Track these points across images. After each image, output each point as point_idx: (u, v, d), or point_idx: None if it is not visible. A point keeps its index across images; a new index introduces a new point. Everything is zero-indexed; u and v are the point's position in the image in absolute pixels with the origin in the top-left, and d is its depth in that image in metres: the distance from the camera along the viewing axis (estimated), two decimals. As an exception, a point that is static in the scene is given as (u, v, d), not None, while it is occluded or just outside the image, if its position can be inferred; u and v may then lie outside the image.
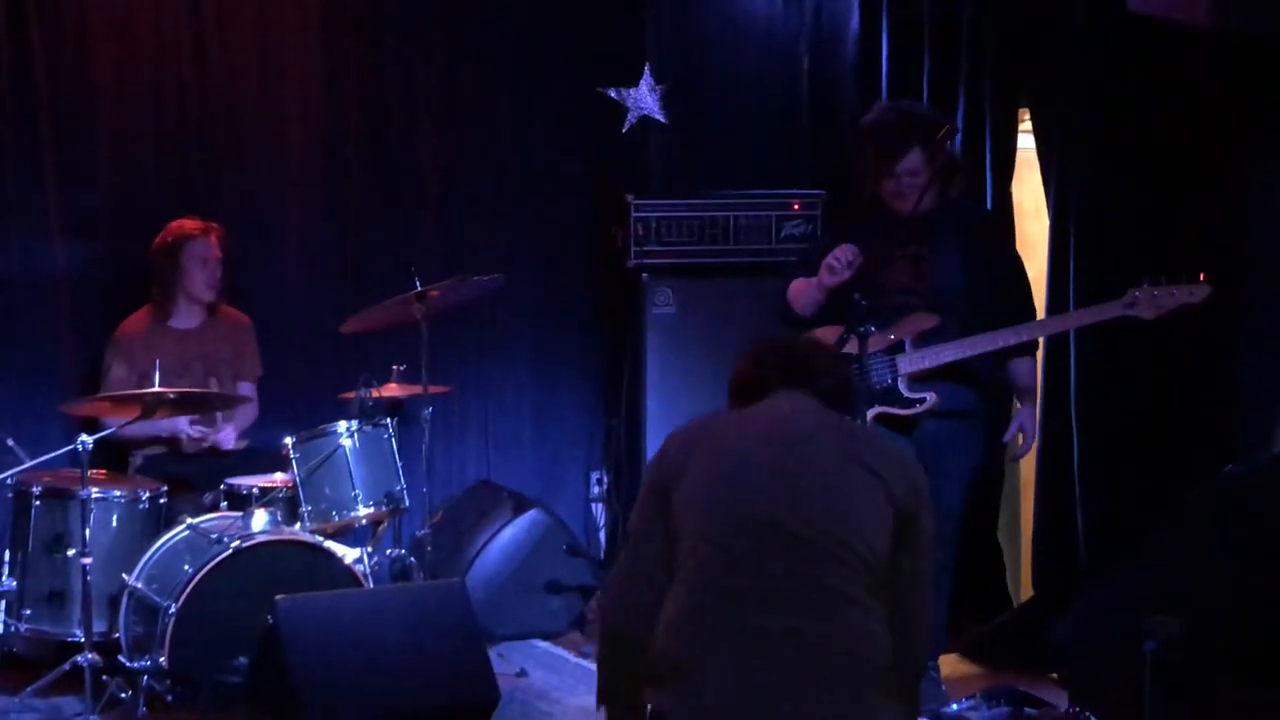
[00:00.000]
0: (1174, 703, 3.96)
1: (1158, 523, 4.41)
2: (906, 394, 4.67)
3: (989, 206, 5.61)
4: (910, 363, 4.69)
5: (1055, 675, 4.81)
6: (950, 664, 5.13)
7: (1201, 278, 4.47)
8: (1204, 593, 4.13)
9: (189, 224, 5.48)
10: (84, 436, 4.63)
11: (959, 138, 5.54)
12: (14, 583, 4.89)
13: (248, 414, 5.65)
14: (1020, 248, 5.70)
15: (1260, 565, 4.11)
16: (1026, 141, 5.67)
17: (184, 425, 5.35)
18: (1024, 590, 5.72)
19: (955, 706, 4.35)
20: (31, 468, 4.90)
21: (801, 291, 4.87)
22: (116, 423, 5.02)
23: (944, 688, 4.78)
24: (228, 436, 5.45)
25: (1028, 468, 5.64)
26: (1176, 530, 4.33)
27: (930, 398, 4.64)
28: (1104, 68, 5.16)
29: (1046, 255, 5.40)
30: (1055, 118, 5.42)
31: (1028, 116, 5.62)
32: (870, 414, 4.65)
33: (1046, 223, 5.43)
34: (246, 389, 5.62)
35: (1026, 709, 4.35)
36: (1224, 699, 3.99)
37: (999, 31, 5.62)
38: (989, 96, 5.68)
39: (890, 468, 2.83)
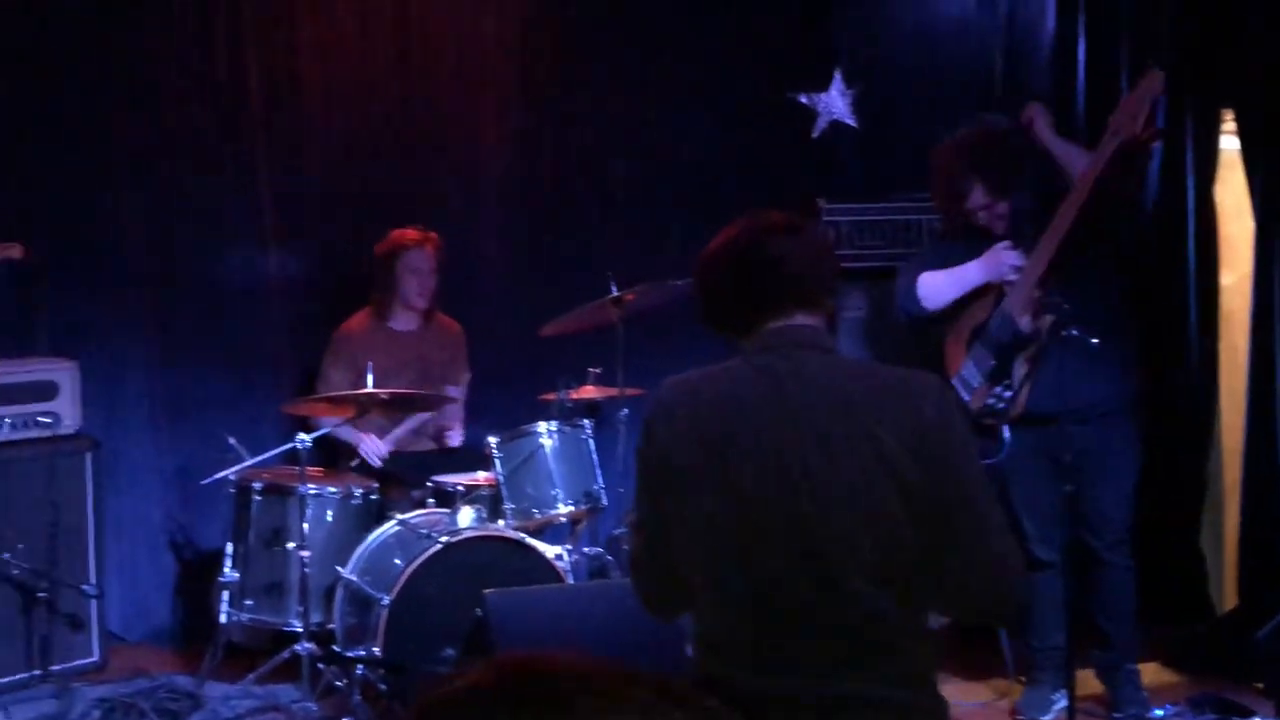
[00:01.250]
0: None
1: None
2: (1030, 330, 4.47)
3: (1189, 210, 5.53)
4: (1014, 297, 4.54)
5: (1260, 685, 4.73)
6: (1151, 671, 5.06)
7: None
8: None
9: (409, 234, 5.63)
10: (302, 435, 4.85)
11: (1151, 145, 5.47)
12: (236, 574, 5.10)
13: (457, 414, 5.82)
14: (1223, 249, 5.61)
15: None
16: (1228, 142, 5.56)
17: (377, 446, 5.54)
18: (1228, 599, 5.62)
19: (1159, 712, 4.31)
20: (252, 465, 5.13)
21: (938, 284, 4.81)
22: (332, 422, 5.23)
23: (1144, 693, 4.75)
24: (455, 435, 5.71)
25: (1232, 475, 5.54)
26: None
27: (1048, 319, 4.41)
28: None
29: (1252, 257, 5.31)
30: (1260, 117, 5.31)
31: (1230, 116, 5.52)
32: (1019, 368, 4.54)
33: (1250, 224, 5.34)
34: (455, 392, 5.78)
35: (1233, 717, 4.29)
36: None
37: (1200, 30, 5.52)
38: (1190, 97, 5.59)
39: (896, 428, 2.44)
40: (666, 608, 2.74)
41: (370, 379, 5.01)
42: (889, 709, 2.47)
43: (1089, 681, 4.80)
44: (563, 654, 0.80)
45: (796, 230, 2.68)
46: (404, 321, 5.70)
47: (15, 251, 5.22)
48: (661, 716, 0.74)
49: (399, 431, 5.68)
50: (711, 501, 2.50)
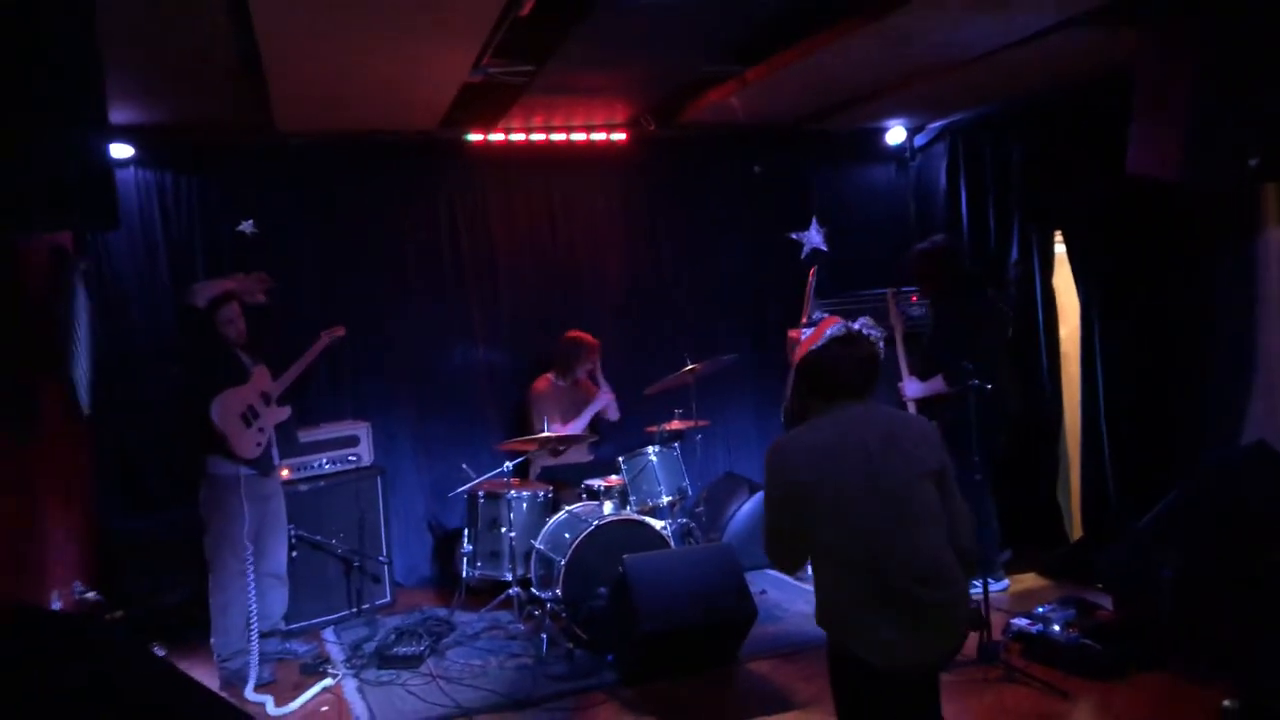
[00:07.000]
0: (1181, 609, 3.89)
1: (1165, 489, 4.30)
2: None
3: (1037, 293, 5.52)
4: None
5: (1101, 586, 4.71)
6: (1030, 580, 5.02)
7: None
8: (1199, 535, 4.03)
9: (588, 339, 5.57)
10: (507, 463, 4.92)
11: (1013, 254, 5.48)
12: (470, 547, 5.14)
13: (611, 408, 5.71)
14: (1062, 315, 5.58)
15: (1233, 520, 4.00)
16: (1060, 249, 5.56)
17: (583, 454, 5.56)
18: (1076, 531, 5.60)
19: (1040, 609, 4.28)
20: (477, 482, 5.17)
21: None
22: (539, 454, 5.26)
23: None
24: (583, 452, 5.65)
25: (1075, 449, 5.51)
26: (1179, 495, 4.22)
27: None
28: (1106, 202, 5.06)
29: (1079, 318, 5.29)
30: (1078, 234, 5.32)
31: (1060, 235, 5.52)
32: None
33: (1076, 299, 5.34)
34: (605, 397, 5.66)
35: (1085, 609, 4.27)
36: (1215, 608, 3.89)
37: (1040, 183, 5.52)
38: (1036, 224, 5.60)
39: (915, 442, 2.53)
40: (792, 566, 2.63)
41: (546, 424, 5.06)
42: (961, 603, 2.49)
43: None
44: None
45: (850, 341, 2.65)
46: (566, 378, 5.69)
47: (340, 331, 5.01)
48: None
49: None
50: (823, 497, 2.48)
